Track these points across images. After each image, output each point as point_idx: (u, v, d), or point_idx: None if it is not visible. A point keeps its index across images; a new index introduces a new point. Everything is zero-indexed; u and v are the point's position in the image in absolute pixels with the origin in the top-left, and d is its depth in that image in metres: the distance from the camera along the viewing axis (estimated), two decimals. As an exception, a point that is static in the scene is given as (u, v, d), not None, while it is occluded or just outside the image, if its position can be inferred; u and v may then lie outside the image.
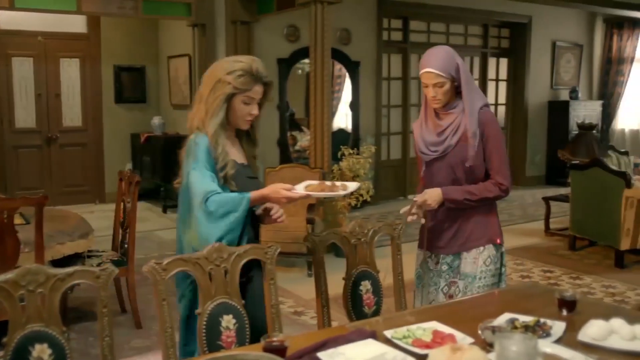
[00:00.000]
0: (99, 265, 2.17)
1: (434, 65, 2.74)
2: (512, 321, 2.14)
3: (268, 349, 1.86)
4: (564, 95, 11.55)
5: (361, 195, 6.22)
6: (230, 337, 2.27)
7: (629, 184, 5.91)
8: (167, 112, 9.71)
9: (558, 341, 2.03)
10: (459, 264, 2.87)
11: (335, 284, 2.79)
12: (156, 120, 9.24)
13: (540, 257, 6.54)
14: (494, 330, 2.01)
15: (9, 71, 8.82)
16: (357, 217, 6.59)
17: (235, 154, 2.54)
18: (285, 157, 8.39)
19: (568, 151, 7.62)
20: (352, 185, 2.52)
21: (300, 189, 2.43)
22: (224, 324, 2.27)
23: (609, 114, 11.91)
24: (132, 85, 9.73)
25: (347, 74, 9.20)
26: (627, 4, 9.73)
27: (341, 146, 6.63)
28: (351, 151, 6.41)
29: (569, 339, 2.06)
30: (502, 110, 11.33)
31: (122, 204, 4.61)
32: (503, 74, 11.25)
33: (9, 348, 1.93)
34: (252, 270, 2.44)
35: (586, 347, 1.99)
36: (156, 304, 2.17)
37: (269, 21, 8.06)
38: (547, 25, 11.17)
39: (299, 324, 4.56)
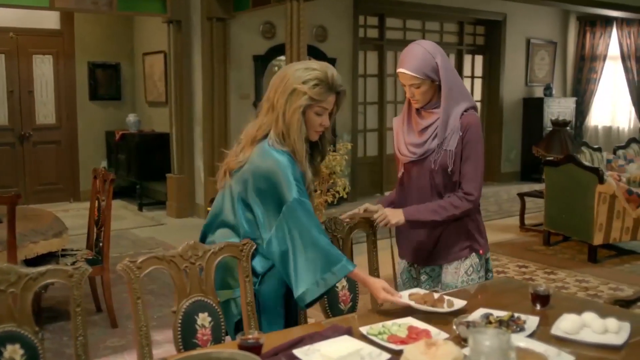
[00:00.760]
0: (73, 264, 2.14)
1: (407, 65, 2.60)
2: (486, 316, 2.15)
3: (243, 347, 1.86)
4: (539, 92, 11.67)
5: (337, 192, 6.23)
6: (205, 335, 2.26)
7: (601, 180, 5.99)
8: (142, 110, 9.63)
9: (531, 335, 2.06)
10: (439, 273, 2.79)
11: (312, 281, 2.79)
12: (131, 118, 9.16)
13: (516, 252, 6.60)
14: (468, 325, 2.02)
15: (-20, 68, 8.70)
16: (334, 213, 6.59)
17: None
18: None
19: (542, 147, 7.68)
20: (458, 303, 2.28)
21: (405, 295, 2.32)
22: (199, 322, 2.26)
23: (582, 110, 12.05)
24: (107, 82, 9.64)
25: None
26: (599, 2, 9.84)
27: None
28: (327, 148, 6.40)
29: (542, 333, 2.09)
30: (477, 107, 11.38)
31: (96, 202, 4.57)
32: (478, 71, 11.34)
33: (-20, 348, 1.91)
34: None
35: (559, 341, 2.02)
36: (131, 302, 2.15)
37: (244, 18, 8.03)
38: (521, 22, 11.26)
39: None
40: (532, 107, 11.43)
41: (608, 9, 10.02)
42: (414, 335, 2.02)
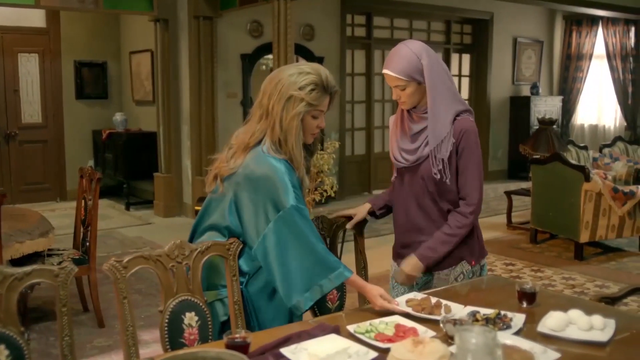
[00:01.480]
0: (59, 264, 2.13)
1: (392, 67, 2.53)
2: (473, 314, 2.16)
3: (230, 346, 1.85)
4: (525, 90, 11.73)
5: (325, 191, 6.23)
6: (192, 334, 2.25)
7: (588, 178, 6.02)
8: (129, 109, 9.59)
9: (518, 333, 2.07)
10: (431, 279, 2.72)
11: (299, 280, 2.79)
12: (118, 117, 9.12)
13: (503, 250, 6.63)
14: (455, 323, 2.03)
15: (-35, 67, 8.63)
16: (322, 212, 6.59)
17: None
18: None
19: (529, 146, 7.72)
20: (455, 308, 2.25)
21: (402, 300, 2.31)
22: (186, 321, 2.25)
23: (568, 109, 12.13)
24: (94, 81, 9.59)
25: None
26: (585, 1, 9.91)
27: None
28: (315, 147, 6.40)
29: (528, 331, 2.10)
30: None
31: (83, 201, 4.54)
32: (466, 70, 11.38)
33: (-35, 349, 1.89)
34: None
35: (545, 338, 2.03)
36: (117, 302, 2.14)
37: (232, 16, 8.02)
38: (508, 21, 11.32)
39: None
40: (519, 106, 11.49)
41: (594, 8, 10.10)
42: (401, 333, 2.02)
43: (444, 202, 2.63)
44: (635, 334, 2.12)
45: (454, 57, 11.12)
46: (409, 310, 2.23)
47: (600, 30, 11.72)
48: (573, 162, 6.48)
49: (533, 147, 7.63)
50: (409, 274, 2.62)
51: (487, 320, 2.10)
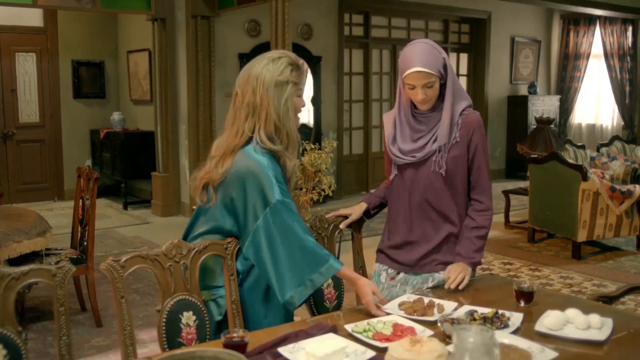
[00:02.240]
0: (56, 263, 2.13)
1: (422, 62, 2.45)
2: (471, 313, 2.16)
3: (228, 345, 1.85)
4: (523, 90, 11.74)
5: (323, 190, 6.23)
6: (190, 333, 2.25)
7: (585, 177, 6.03)
8: (127, 108, 9.58)
9: (515, 332, 2.07)
10: (425, 284, 2.67)
11: (297, 279, 2.79)
12: (116, 116, 9.10)
13: (500, 249, 6.64)
14: (452, 322, 2.03)
15: (-37, 66, 8.62)
16: (320, 211, 6.60)
17: None
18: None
19: (527, 145, 7.72)
20: (449, 307, 2.27)
21: (395, 304, 2.30)
22: (184, 320, 2.25)
23: (566, 108, 12.14)
24: (91, 81, 9.58)
25: (308, 70, 9.17)
26: (583, 0, 9.92)
27: (303, 141, 6.62)
28: (313, 146, 6.40)
29: (526, 330, 2.10)
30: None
31: (81, 201, 4.54)
32: (463, 69, 11.38)
33: (-38, 349, 1.89)
34: None
35: (543, 337, 2.03)
36: (114, 301, 2.14)
37: (229, 16, 8.01)
38: (506, 21, 11.32)
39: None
40: (517, 105, 11.50)
41: (591, 7, 10.11)
42: (398, 332, 2.03)
43: (449, 196, 2.61)
44: (632, 332, 2.12)
45: (452, 57, 11.13)
46: (402, 314, 2.22)
47: (597, 29, 11.73)
48: (571, 161, 6.49)
49: (531, 146, 7.64)
50: (460, 273, 2.51)
51: (485, 320, 2.10)
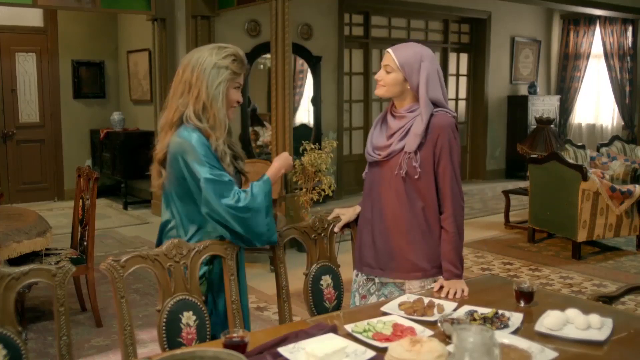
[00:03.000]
0: (56, 263, 2.13)
1: (396, 51, 2.57)
2: (470, 313, 2.17)
3: (228, 345, 1.85)
4: (523, 90, 11.74)
5: (323, 190, 6.23)
6: (190, 333, 2.25)
7: (585, 177, 6.03)
8: (127, 108, 9.58)
9: (515, 332, 2.07)
10: (397, 289, 2.65)
11: (298, 279, 2.80)
12: (116, 116, 9.10)
13: (500, 249, 6.64)
14: (452, 322, 2.03)
15: (-37, 66, 8.62)
16: (320, 211, 6.60)
17: None
18: (247, 152, 8.35)
19: (527, 145, 7.72)
20: (448, 307, 2.28)
21: (395, 304, 2.31)
22: (184, 320, 2.25)
23: (566, 108, 12.14)
24: (91, 81, 9.58)
25: (308, 69, 9.19)
26: (583, 0, 9.92)
27: (303, 141, 6.62)
28: (313, 146, 6.41)
29: (526, 330, 2.10)
30: (462, 105, 11.46)
31: (81, 201, 4.54)
32: (463, 69, 11.38)
33: (-38, 349, 1.89)
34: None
35: (542, 337, 2.03)
36: (115, 301, 2.14)
37: (229, 16, 8.01)
38: (506, 21, 11.32)
39: (261, 320, 4.55)
40: (517, 105, 11.50)
41: (591, 7, 10.11)
42: (398, 332, 2.03)
43: (414, 199, 2.57)
44: (632, 333, 2.13)
45: (452, 57, 11.13)
46: (402, 314, 2.23)
47: (597, 29, 11.72)
48: (571, 161, 6.49)
49: (531, 146, 7.64)
50: (451, 287, 2.50)
51: (485, 320, 2.10)
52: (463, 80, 11.41)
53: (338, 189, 8.47)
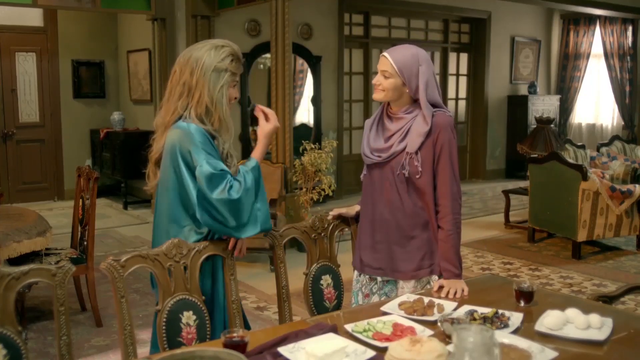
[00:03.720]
0: (56, 263, 2.13)
1: (393, 54, 2.55)
2: (471, 313, 2.16)
3: (228, 345, 1.85)
4: (523, 89, 11.74)
5: (323, 189, 6.23)
6: (190, 333, 2.25)
7: (585, 177, 6.03)
8: (126, 108, 9.58)
9: (515, 332, 2.07)
10: (393, 288, 2.67)
11: (298, 279, 2.80)
12: (116, 116, 9.10)
13: (500, 249, 6.64)
14: (452, 322, 2.03)
15: (-37, 66, 8.61)
16: (320, 211, 6.60)
17: None
18: (247, 152, 8.34)
19: (527, 145, 7.72)
20: (449, 307, 2.29)
21: (395, 304, 2.31)
22: (184, 320, 2.25)
23: (566, 108, 12.14)
24: (91, 80, 9.57)
25: (308, 69, 9.19)
26: (583, 0, 9.92)
27: (303, 141, 6.63)
28: (313, 146, 6.41)
29: (526, 330, 2.10)
30: (462, 104, 11.46)
31: (81, 200, 4.54)
32: (463, 69, 11.37)
33: (-38, 349, 1.89)
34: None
35: (542, 337, 2.03)
36: (115, 301, 2.14)
37: (229, 15, 8.01)
38: (506, 20, 11.32)
39: (261, 319, 4.55)
40: (517, 105, 11.50)
41: (591, 7, 10.11)
42: (398, 332, 2.03)
43: (415, 198, 2.59)
44: (632, 333, 2.12)
45: (452, 56, 11.13)
46: (402, 313, 2.23)
47: (597, 29, 11.72)
48: (571, 161, 6.48)
49: (531, 146, 7.64)
50: (451, 287, 2.50)
51: (485, 319, 2.10)
52: (463, 80, 11.40)
53: (338, 189, 8.46)
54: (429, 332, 2.05)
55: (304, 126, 9.32)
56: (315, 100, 9.14)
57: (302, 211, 6.34)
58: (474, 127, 11.46)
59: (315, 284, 2.72)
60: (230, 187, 2.29)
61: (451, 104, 11.16)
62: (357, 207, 2.85)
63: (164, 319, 2.22)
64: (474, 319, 2.11)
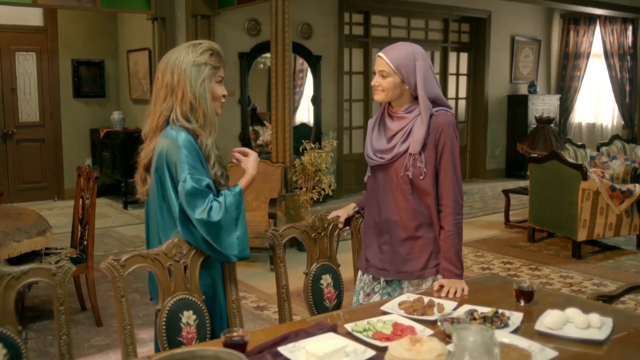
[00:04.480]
0: (56, 262, 2.13)
1: (388, 54, 2.55)
2: (470, 312, 2.16)
3: (228, 344, 1.85)
4: (523, 89, 11.74)
5: (323, 189, 6.23)
6: (190, 333, 2.25)
7: (585, 177, 6.03)
8: (126, 107, 9.58)
9: (515, 331, 2.07)
10: (397, 288, 2.67)
11: (298, 278, 2.80)
12: (116, 115, 9.11)
13: (500, 248, 6.64)
14: (452, 321, 2.03)
15: (-37, 65, 8.61)
16: (320, 211, 6.60)
17: None
18: (247, 152, 8.34)
19: (527, 144, 7.72)
20: (448, 306, 2.28)
21: (395, 303, 2.31)
22: (184, 319, 2.25)
23: (566, 107, 12.14)
24: (91, 80, 9.57)
25: (308, 69, 9.19)
26: (583, -1, 9.93)
27: (303, 140, 6.63)
28: (313, 145, 6.41)
29: (526, 329, 2.10)
30: (462, 104, 11.46)
31: (81, 200, 4.54)
32: (463, 69, 11.37)
33: (-37, 348, 1.89)
34: None
35: (542, 337, 2.03)
36: (115, 300, 2.14)
37: (229, 15, 8.01)
38: (506, 20, 11.32)
39: (261, 319, 4.55)
40: (517, 104, 11.50)
41: (591, 6, 10.10)
42: (398, 332, 2.03)
43: (419, 199, 2.59)
44: (632, 332, 2.13)
45: (452, 56, 11.13)
46: (402, 313, 2.23)
47: (597, 28, 11.72)
48: (571, 160, 6.48)
49: (531, 145, 7.64)
50: (451, 286, 2.50)
51: (485, 319, 2.10)
52: (463, 80, 11.40)
53: (338, 188, 8.47)
54: (429, 331, 2.05)
55: (304, 126, 9.32)
56: (315, 100, 9.14)
57: (302, 211, 6.34)
58: (474, 127, 11.46)
59: (315, 284, 2.72)
60: (210, 208, 2.25)
61: (451, 103, 11.10)
62: (352, 205, 2.87)
63: (164, 319, 2.22)
64: (474, 319, 2.11)
